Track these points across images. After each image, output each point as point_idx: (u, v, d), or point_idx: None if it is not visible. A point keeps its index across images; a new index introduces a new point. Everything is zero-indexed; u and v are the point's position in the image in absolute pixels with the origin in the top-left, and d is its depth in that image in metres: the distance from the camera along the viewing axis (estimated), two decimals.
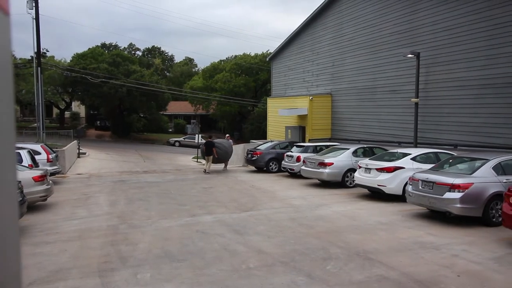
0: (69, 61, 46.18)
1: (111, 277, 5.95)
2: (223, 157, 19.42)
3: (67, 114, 50.66)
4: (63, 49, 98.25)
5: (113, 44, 64.32)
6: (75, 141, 26.07)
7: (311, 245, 7.44)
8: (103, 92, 41.96)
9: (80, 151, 27.21)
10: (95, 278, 5.93)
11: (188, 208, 10.96)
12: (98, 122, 53.77)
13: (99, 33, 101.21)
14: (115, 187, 14.71)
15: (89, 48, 47.74)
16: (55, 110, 52.54)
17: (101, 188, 14.49)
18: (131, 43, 73.65)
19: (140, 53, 74.01)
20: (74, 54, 46.08)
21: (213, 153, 18.74)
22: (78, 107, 53.97)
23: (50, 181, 11.26)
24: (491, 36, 13.61)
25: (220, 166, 20.36)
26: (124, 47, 69.22)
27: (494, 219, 8.55)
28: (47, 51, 48.49)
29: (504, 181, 8.68)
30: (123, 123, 48.47)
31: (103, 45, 60.52)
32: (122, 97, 43.57)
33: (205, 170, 19.07)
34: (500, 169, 8.93)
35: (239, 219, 9.63)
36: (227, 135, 23.64)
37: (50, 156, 15.24)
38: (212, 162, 19.13)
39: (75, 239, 8.01)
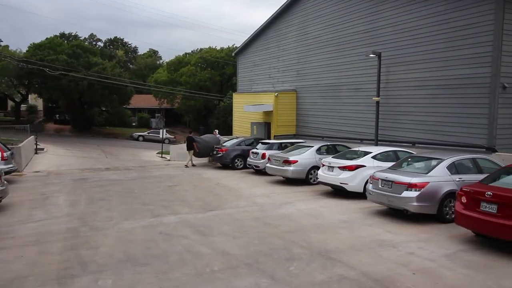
0: (25, 52, 43.97)
1: (71, 285, 5.81)
2: (204, 152, 20.11)
3: (23, 107, 48.44)
4: (18, 38, 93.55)
5: (73, 34, 62.00)
6: (32, 136, 24.94)
7: (275, 245, 7.56)
8: (62, 84, 40.33)
9: (38, 146, 26.08)
10: (53, 286, 5.76)
11: (151, 208, 10.81)
12: (57, 115, 51.74)
13: (58, 22, 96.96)
14: (75, 186, 14.26)
15: (47, 38, 45.68)
16: (10, 103, 50.07)
17: (60, 187, 14.01)
18: (92, 33, 71.23)
19: (101, 44, 71.68)
20: (31, 44, 43.91)
21: (193, 148, 19.64)
22: (35, 100, 51.58)
23: (5, 181, 10.76)
24: (447, 39, 14.21)
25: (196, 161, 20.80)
26: (85, 38, 66.89)
27: (447, 216, 9.00)
28: (1, 40, 46.06)
29: (457, 180, 9.14)
30: (84, 117, 46.92)
31: (62, 35, 58.23)
32: (82, 90, 42.08)
33: (186, 165, 20.12)
34: (453, 168, 9.39)
35: (204, 219, 9.61)
36: (216, 130, 23.66)
37: (5, 154, 14.51)
38: (195, 156, 20.18)
39: (32, 243, 7.72)
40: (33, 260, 6.83)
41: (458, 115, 14.00)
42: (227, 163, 18.80)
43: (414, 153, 12.37)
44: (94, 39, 71.11)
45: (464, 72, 13.76)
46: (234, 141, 19.83)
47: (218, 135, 22.54)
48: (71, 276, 6.10)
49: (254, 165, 17.07)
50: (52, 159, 23.00)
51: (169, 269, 6.41)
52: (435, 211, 8.97)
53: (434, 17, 14.66)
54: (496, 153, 12.37)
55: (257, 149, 17.46)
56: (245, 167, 18.35)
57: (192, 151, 19.89)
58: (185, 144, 20.76)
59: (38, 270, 6.35)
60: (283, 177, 14.98)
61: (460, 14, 13.75)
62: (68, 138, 40.83)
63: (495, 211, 6.89)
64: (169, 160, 25.85)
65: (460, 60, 13.84)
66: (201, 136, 21.92)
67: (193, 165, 20.28)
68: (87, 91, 42.13)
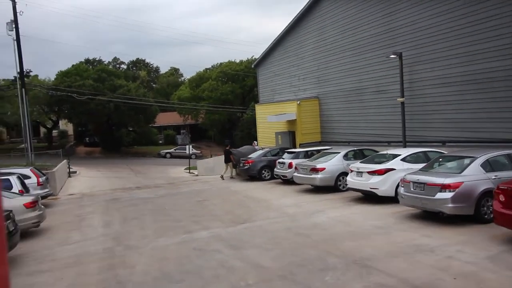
0: (53, 80, 45.82)
1: None
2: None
3: (54, 132, 50.17)
4: (46, 67, 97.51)
5: (97, 59, 64.10)
6: (64, 160, 25.81)
7: (308, 256, 7.48)
8: (90, 108, 41.68)
9: (71, 170, 26.96)
10: None
11: (183, 224, 10.93)
12: (87, 138, 53.38)
13: (82, 49, 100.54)
14: (108, 206, 14.61)
15: (73, 65, 47.46)
16: (42, 129, 52.02)
17: (94, 208, 14.38)
18: (115, 57, 73.39)
19: (125, 67, 73.76)
20: (58, 72, 45.78)
21: (231, 161, 20.65)
22: (65, 125, 53.46)
23: (42, 206, 11.15)
24: (469, 33, 13.86)
25: (213, 175, 20.90)
26: (109, 62, 69.02)
27: (486, 216, 8.68)
28: (31, 71, 48.05)
29: (493, 177, 8.82)
30: (112, 138, 48.20)
31: (87, 61, 60.25)
32: (109, 113, 43.35)
33: (222, 176, 21.00)
34: (488, 165, 9.08)
35: (235, 232, 9.63)
36: (254, 141, 23.87)
37: (40, 180, 15.09)
38: (234, 168, 20.96)
39: (71, 265, 7.94)
40: (73, 281, 7.02)
41: (487, 110, 13.55)
42: (254, 175, 18.83)
43: (445, 152, 12.04)
44: (118, 62, 73.26)
45: (490, 65, 13.34)
46: (260, 152, 19.87)
47: (257, 146, 22.71)
48: None
49: (282, 175, 17.02)
50: (85, 181, 23.70)
51: (204, 284, 6.44)
52: (472, 212, 8.66)
53: (452, 12, 14.34)
54: None
55: (283, 158, 17.42)
56: (272, 177, 18.32)
57: (230, 163, 20.69)
58: (223, 157, 21.59)
59: None
60: (312, 186, 14.87)
61: (479, 7, 13.38)
62: (98, 160, 41.98)
63: None
64: (197, 175, 26.15)
65: (485, 54, 13.43)
66: (238, 149, 22.71)
67: (232, 177, 20.71)
68: (114, 113, 43.37)
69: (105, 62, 64.99)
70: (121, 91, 43.69)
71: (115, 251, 8.73)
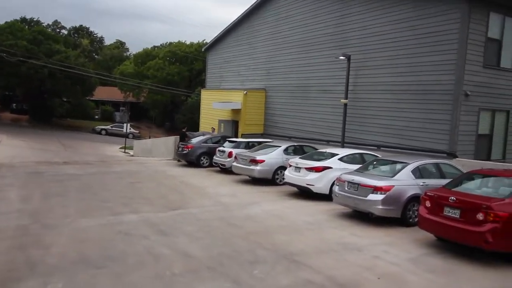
0: None
1: None
2: None
3: None
4: None
5: (35, 19, 59.01)
6: None
7: (239, 247, 7.34)
8: (21, 72, 38.20)
9: None
10: None
11: (111, 205, 10.31)
12: (14, 104, 49.18)
13: (19, 4, 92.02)
14: (29, 180, 13.45)
15: (7, 22, 43.27)
16: None
17: (12, 181, 13.16)
18: (56, 20, 68.22)
19: (66, 32, 68.82)
20: None
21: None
22: None
23: None
24: (413, 45, 14.47)
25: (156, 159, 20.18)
26: (48, 24, 63.97)
27: (411, 220, 9.10)
28: None
29: (421, 184, 9.26)
30: (43, 107, 44.75)
31: (23, 20, 55.21)
32: (43, 79, 40.07)
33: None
34: (418, 172, 9.51)
35: (166, 218, 9.25)
36: (212, 127, 23.01)
37: None
38: None
39: None
40: None
41: (421, 121, 14.30)
42: (192, 161, 18.38)
43: (380, 156, 12.50)
44: (58, 26, 68.24)
45: (428, 78, 14.06)
46: (200, 138, 19.42)
47: (215, 133, 22.10)
48: (17, 280, 5.61)
49: (220, 164, 16.77)
50: (5, 151, 21.72)
51: (127, 271, 6.05)
52: (399, 215, 9.04)
53: (401, 23, 14.89)
54: (457, 158, 12.72)
55: (224, 147, 17.16)
56: (211, 165, 18.00)
57: None
58: (178, 138, 21.12)
59: None
60: (250, 177, 14.78)
61: (426, 21, 14.03)
62: (25, 129, 38.84)
63: (458, 216, 6.99)
64: (132, 156, 25.11)
65: (425, 67, 14.12)
66: (194, 133, 22.42)
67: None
68: (48, 80, 40.17)
69: (44, 24, 60.05)
70: (59, 57, 40.57)
71: (30, 229, 7.98)
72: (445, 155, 13.08)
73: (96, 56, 70.73)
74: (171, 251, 7.02)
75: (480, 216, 6.67)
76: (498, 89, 14.26)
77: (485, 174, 8.12)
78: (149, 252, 6.92)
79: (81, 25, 73.00)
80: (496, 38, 13.99)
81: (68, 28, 70.59)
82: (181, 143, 19.38)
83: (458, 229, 6.91)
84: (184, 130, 21.87)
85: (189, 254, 6.92)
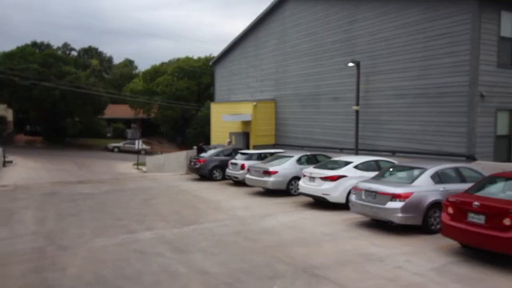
0: None
1: None
2: None
3: None
4: None
5: (45, 43, 60.32)
6: None
7: (257, 262, 7.15)
8: (34, 94, 38.93)
9: (6, 159, 24.89)
10: None
11: (125, 223, 10.22)
12: (28, 126, 50.00)
13: (30, 30, 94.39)
14: (44, 201, 13.47)
15: (18, 47, 44.24)
16: None
17: (28, 203, 13.19)
18: (65, 42, 69.61)
19: (75, 54, 70.11)
20: (0, 53, 42.39)
21: None
22: (4, 111, 49.62)
23: None
24: (424, 48, 14.27)
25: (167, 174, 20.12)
26: (58, 47, 65.30)
27: (433, 227, 8.80)
28: None
29: (441, 189, 8.98)
30: (56, 128, 45.42)
31: (34, 44, 56.53)
32: (55, 101, 40.70)
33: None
34: (437, 177, 9.24)
35: (181, 234, 9.11)
36: (228, 140, 22.99)
37: None
38: None
39: None
40: None
41: (437, 124, 14.00)
42: (205, 174, 18.29)
43: (395, 162, 12.24)
44: (68, 48, 69.55)
45: (442, 81, 13.80)
46: (212, 151, 19.35)
47: (230, 146, 22.02)
48: None
49: (233, 176, 16.63)
50: (21, 173, 21.95)
51: None
52: (420, 222, 8.76)
53: (410, 27, 14.72)
54: (476, 161, 12.38)
55: (236, 159, 17.04)
56: (223, 178, 17.88)
57: None
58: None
59: None
60: (263, 189, 14.61)
61: (436, 24, 13.84)
62: (39, 150, 39.34)
63: (483, 222, 6.71)
64: (145, 172, 25.15)
65: (438, 69, 13.88)
66: (210, 146, 22.88)
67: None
68: (59, 101, 40.80)
69: (54, 47, 61.31)
70: (69, 78, 41.26)
71: (46, 251, 7.91)
72: (464, 158, 12.75)
73: (106, 76, 71.75)
74: (187, 268, 6.86)
75: (507, 222, 6.38)
76: None
77: (508, 177, 7.80)
78: (165, 271, 6.77)
79: (90, 46, 74.32)
80: (509, 37, 13.70)
81: (77, 49, 71.92)
82: (192, 157, 19.34)
83: (484, 236, 6.63)
84: (201, 144, 22.36)
85: (205, 271, 6.75)
